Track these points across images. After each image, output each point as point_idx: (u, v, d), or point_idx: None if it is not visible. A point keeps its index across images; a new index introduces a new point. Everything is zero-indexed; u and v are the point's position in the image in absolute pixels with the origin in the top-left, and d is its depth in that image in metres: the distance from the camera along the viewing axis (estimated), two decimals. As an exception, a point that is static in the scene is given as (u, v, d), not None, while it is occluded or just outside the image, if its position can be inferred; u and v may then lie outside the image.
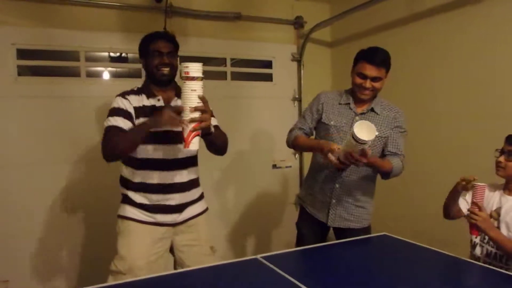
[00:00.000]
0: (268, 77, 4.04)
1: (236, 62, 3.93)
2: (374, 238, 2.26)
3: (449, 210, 2.16)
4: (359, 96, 2.29)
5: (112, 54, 3.55)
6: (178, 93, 2.15)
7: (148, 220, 2.09)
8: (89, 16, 3.21)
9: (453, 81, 2.91)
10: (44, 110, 3.09)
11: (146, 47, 2.12)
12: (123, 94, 2.10)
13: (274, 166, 4.02)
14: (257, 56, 3.98)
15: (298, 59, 4.09)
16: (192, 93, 1.77)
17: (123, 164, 2.15)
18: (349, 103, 2.34)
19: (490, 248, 1.99)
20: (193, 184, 2.24)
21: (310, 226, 2.49)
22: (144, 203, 2.09)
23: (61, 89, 3.15)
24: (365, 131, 1.89)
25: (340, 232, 2.41)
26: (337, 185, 2.34)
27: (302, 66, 4.09)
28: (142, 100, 2.10)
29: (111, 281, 2.00)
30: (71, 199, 3.20)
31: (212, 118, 2.05)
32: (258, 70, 4.11)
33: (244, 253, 3.86)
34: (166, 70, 2.08)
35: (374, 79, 2.21)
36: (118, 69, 3.69)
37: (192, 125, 1.78)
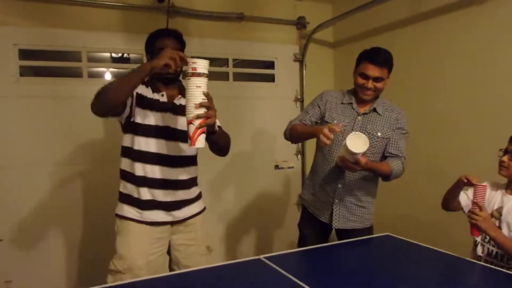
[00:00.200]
0: (270, 78, 4.04)
1: (238, 63, 3.93)
2: (376, 238, 2.25)
3: (449, 203, 2.18)
4: (361, 97, 2.29)
5: (114, 55, 3.55)
6: (182, 91, 2.16)
7: (146, 220, 2.08)
8: (91, 16, 3.21)
9: (456, 82, 2.91)
10: (45, 110, 3.09)
11: (152, 44, 2.11)
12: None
13: (276, 166, 4.02)
14: (259, 56, 3.98)
15: (300, 59, 4.08)
16: (197, 90, 1.75)
17: (123, 157, 2.13)
18: (351, 103, 2.34)
19: (491, 248, 1.98)
20: (192, 182, 2.23)
21: (312, 227, 2.49)
22: (142, 199, 2.08)
23: (63, 89, 3.15)
24: (358, 141, 1.92)
25: (343, 233, 2.40)
26: (339, 186, 2.34)
27: (304, 67, 4.08)
28: (147, 92, 2.09)
29: (110, 281, 2.00)
30: (72, 199, 3.20)
31: None
32: (260, 71, 4.11)
33: (247, 254, 3.85)
34: (171, 69, 2.08)
35: (376, 79, 2.21)
36: (120, 70, 3.69)
37: (198, 121, 1.76)
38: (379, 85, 2.23)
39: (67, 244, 3.20)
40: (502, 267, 1.88)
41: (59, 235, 3.18)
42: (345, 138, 2.04)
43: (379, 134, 2.28)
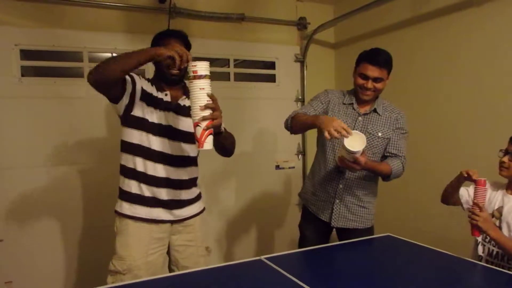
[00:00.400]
0: (271, 78, 4.04)
1: (239, 63, 3.93)
2: (377, 239, 2.25)
3: (448, 197, 2.19)
4: (361, 97, 2.31)
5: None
6: (186, 92, 2.16)
7: (145, 217, 2.08)
8: (92, 16, 3.21)
9: (458, 83, 2.91)
10: (47, 110, 3.09)
11: (158, 43, 2.10)
12: (140, 75, 2.11)
13: (277, 166, 4.02)
14: (260, 57, 3.98)
15: (301, 60, 4.09)
16: (201, 92, 1.75)
17: (124, 152, 2.11)
18: (352, 103, 2.36)
19: (492, 247, 1.98)
20: (192, 183, 2.24)
21: (313, 228, 2.50)
22: (142, 195, 2.08)
23: (64, 89, 3.15)
24: (356, 140, 1.93)
25: (343, 233, 2.42)
26: (340, 186, 2.35)
27: (305, 67, 4.08)
28: (152, 90, 2.10)
29: (110, 281, 2.00)
30: (73, 200, 3.20)
31: None
32: (261, 71, 4.11)
33: (247, 254, 3.85)
34: (175, 71, 2.07)
35: (376, 79, 2.23)
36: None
37: (205, 123, 1.76)
38: (378, 85, 2.24)
39: (67, 245, 3.20)
40: (503, 267, 1.89)
41: (60, 236, 3.18)
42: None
43: (379, 134, 2.29)
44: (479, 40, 2.75)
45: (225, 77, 3.82)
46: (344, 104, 2.38)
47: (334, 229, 2.46)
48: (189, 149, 2.17)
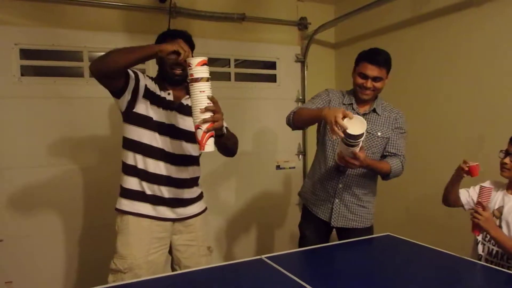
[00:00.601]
0: (272, 78, 4.04)
1: (240, 63, 3.93)
2: (377, 238, 2.25)
3: (449, 195, 2.20)
4: (360, 96, 2.32)
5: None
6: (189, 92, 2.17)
7: (146, 213, 2.08)
8: (92, 16, 3.21)
9: (458, 83, 2.91)
10: (47, 110, 3.09)
11: (162, 43, 2.09)
12: (144, 73, 2.12)
13: (278, 167, 4.02)
14: (261, 57, 3.98)
15: (302, 60, 4.08)
16: (201, 95, 1.75)
17: (126, 149, 2.11)
18: (352, 104, 2.36)
19: (492, 247, 2.00)
20: (194, 182, 2.24)
21: (313, 228, 2.50)
22: (142, 192, 2.08)
23: (64, 89, 3.15)
24: (356, 126, 1.86)
25: (343, 232, 2.42)
26: (340, 185, 2.36)
27: (306, 67, 4.08)
28: (155, 89, 2.10)
29: (111, 280, 2.00)
30: (73, 199, 3.20)
31: None
32: (262, 71, 4.11)
33: (248, 254, 3.84)
34: (179, 71, 2.08)
35: (375, 79, 2.24)
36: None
37: (206, 126, 1.76)
38: (378, 84, 2.25)
39: (68, 244, 3.20)
40: (502, 266, 1.90)
41: (60, 235, 3.18)
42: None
43: (379, 133, 2.30)
44: (479, 40, 2.75)
45: (225, 77, 3.82)
46: (344, 104, 2.38)
47: (334, 229, 2.46)
48: (191, 149, 2.17)
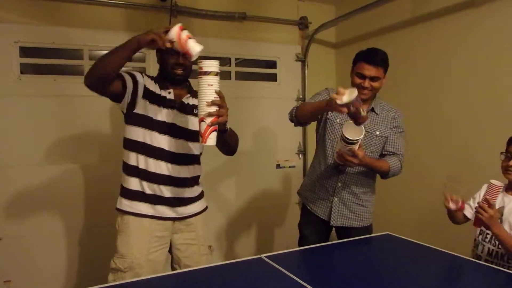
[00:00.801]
0: (273, 77, 4.04)
1: (240, 62, 3.93)
2: (376, 238, 2.26)
3: (454, 219, 2.19)
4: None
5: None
6: (191, 91, 2.19)
7: (146, 213, 2.08)
8: (93, 14, 3.21)
9: (458, 83, 2.91)
10: (46, 108, 3.09)
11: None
12: (143, 73, 2.13)
13: (278, 166, 4.02)
14: (261, 56, 3.98)
15: (302, 59, 4.08)
16: (209, 88, 1.76)
17: (126, 149, 2.12)
18: None
19: (492, 247, 2.00)
20: (195, 181, 2.23)
21: (312, 227, 2.50)
22: (143, 192, 2.08)
23: (64, 87, 3.14)
24: (354, 130, 1.93)
25: (342, 231, 2.43)
26: (339, 184, 2.37)
27: (306, 67, 4.08)
28: (155, 88, 2.10)
29: (111, 279, 2.01)
30: (73, 198, 3.20)
31: None
32: (262, 70, 4.12)
33: (247, 252, 3.85)
34: (180, 71, 2.08)
35: (372, 78, 2.24)
36: (122, 68, 3.69)
37: (210, 119, 1.76)
38: (375, 84, 2.26)
39: (67, 243, 3.20)
40: (502, 266, 1.90)
41: (60, 234, 3.17)
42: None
43: (377, 133, 2.31)
44: (479, 40, 2.75)
45: (226, 76, 3.81)
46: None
47: (333, 228, 2.46)
48: (192, 147, 2.17)
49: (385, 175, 2.31)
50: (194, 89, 2.21)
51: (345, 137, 1.91)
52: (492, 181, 1.92)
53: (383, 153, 2.36)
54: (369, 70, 2.22)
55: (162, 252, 2.13)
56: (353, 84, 2.31)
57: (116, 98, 2.02)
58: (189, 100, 2.15)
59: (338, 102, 1.79)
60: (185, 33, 1.76)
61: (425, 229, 3.04)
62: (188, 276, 1.72)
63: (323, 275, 1.68)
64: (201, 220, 2.27)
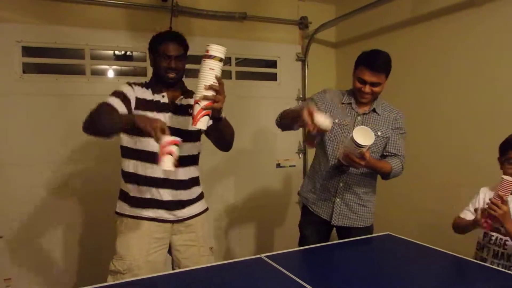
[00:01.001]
0: (273, 77, 4.05)
1: (241, 62, 3.94)
2: (377, 238, 2.26)
3: (463, 231, 2.16)
4: (359, 99, 2.34)
5: (117, 53, 3.56)
6: (184, 92, 2.18)
7: (145, 216, 2.08)
8: (94, 14, 3.22)
9: (458, 83, 2.91)
10: (48, 107, 3.10)
11: (156, 46, 2.11)
12: (131, 83, 2.11)
13: (278, 165, 4.02)
14: (262, 55, 3.99)
15: (302, 59, 4.09)
16: (210, 72, 1.74)
17: (123, 157, 2.13)
18: (350, 103, 2.37)
19: (497, 249, 1.99)
20: (193, 182, 2.22)
21: (313, 227, 2.50)
22: (141, 197, 2.08)
23: (66, 87, 3.16)
24: (364, 135, 1.93)
25: (343, 231, 2.42)
26: (341, 184, 2.36)
27: (306, 66, 4.09)
28: (147, 94, 2.10)
29: (110, 281, 2.00)
30: (73, 197, 3.21)
31: None
32: (262, 70, 4.13)
33: (247, 252, 3.86)
34: (172, 74, 2.08)
35: (373, 84, 2.23)
36: (123, 68, 3.70)
37: (204, 103, 1.74)
38: (376, 89, 2.25)
39: (67, 242, 3.21)
40: (509, 268, 1.90)
41: (60, 233, 3.19)
42: (345, 136, 2.05)
43: (379, 133, 2.30)
44: (480, 40, 2.75)
45: (226, 75, 3.82)
46: (342, 103, 2.39)
47: (334, 228, 2.47)
48: (188, 149, 2.16)
49: (386, 176, 2.31)
50: (188, 89, 2.22)
51: (357, 142, 1.90)
52: (504, 176, 1.88)
53: (385, 154, 2.35)
54: (370, 77, 2.21)
55: (161, 253, 2.13)
56: (354, 87, 2.31)
57: None
58: (182, 101, 2.14)
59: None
60: (170, 149, 1.72)
61: (426, 230, 3.05)
62: (188, 276, 1.72)
63: (323, 275, 1.68)
64: (201, 221, 2.26)
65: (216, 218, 3.72)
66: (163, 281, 1.67)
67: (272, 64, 4.06)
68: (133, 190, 2.10)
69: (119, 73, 3.80)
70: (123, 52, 3.52)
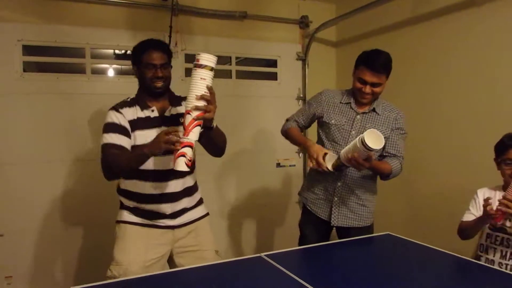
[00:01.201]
0: (273, 76, 4.05)
1: (241, 61, 3.93)
2: (377, 238, 2.26)
3: (469, 236, 2.14)
4: (359, 100, 2.33)
5: (117, 52, 3.56)
6: (172, 101, 2.13)
7: (145, 223, 2.08)
8: (95, 13, 3.22)
9: (458, 82, 2.91)
10: (49, 106, 3.10)
11: (139, 56, 2.05)
12: (117, 108, 2.04)
13: (278, 164, 4.02)
14: (262, 55, 3.98)
15: (303, 58, 4.09)
16: (201, 82, 1.73)
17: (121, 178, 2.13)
18: (350, 103, 2.37)
19: (505, 249, 1.99)
20: (189, 191, 2.19)
21: (313, 226, 2.50)
22: (141, 209, 2.09)
23: (66, 85, 3.16)
24: (373, 139, 1.91)
25: (343, 231, 2.42)
26: (339, 184, 2.36)
27: (307, 66, 4.09)
28: (136, 112, 2.05)
29: None
30: (74, 195, 3.21)
31: None
32: (263, 69, 4.13)
33: (247, 251, 3.87)
34: (159, 83, 2.04)
35: (373, 84, 2.23)
36: (124, 67, 3.69)
37: (196, 113, 1.74)
38: (376, 89, 2.25)
39: (67, 241, 3.22)
40: None
41: (60, 231, 3.19)
42: (345, 138, 2.03)
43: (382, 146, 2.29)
44: (480, 39, 2.75)
45: (226, 74, 3.82)
46: (341, 103, 2.39)
47: (334, 228, 2.47)
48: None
49: (386, 176, 2.30)
50: (176, 95, 2.19)
51: (368, 145, 1.89)
52: None
53: (384, 154, 2.34)
54: (371, 77, 2.20)
55: (159, 261, 2.09)
56: (354, 87, 2.31)
57: None
58: (171, 111, 2.11)
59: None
60: (183, 150, 1.74)
61: (426, 230, 3.05)
62: (187, 275, 1.73)
63: (323, 274, 1.69)
64: (202, 225, 2.24)
65: (216, 217, 3.72)
66: (163, 280, 1.67)
67: (273, 63, 4.06)
68: (131, 204, 2.11)
69: (120, 72, 3.80)
70: (123, 51, 3.52)
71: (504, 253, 2.00)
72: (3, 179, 3.00)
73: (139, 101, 2.08)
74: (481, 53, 2.75)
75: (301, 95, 4.09)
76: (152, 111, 2.07)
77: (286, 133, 2.53)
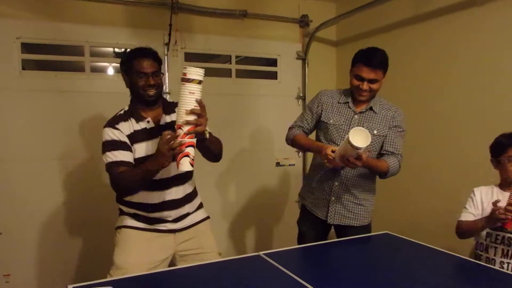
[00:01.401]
0: (273, 75, 4.04)
1: (241, 60, 3.93)
2: (375, 237, 2.26)
3: (470, 236, 2.14)
4: (357, 98, 2.32)
5: (117, 50, 3.55)
6: (166, 109, 2.11)
7: (147, 227, 2.08)
8: (94, 10, 3.21)
9: (458, 82, 2.91)
10: (48, 104, 3.10)
11: (130, 65, 2.02)
12: (112, 124, 2.01)
13: (278, 164, 4.02)
14: (262, 54, 3.98)
15: (303, 57, 4.09)
16: (190, 96, 1.73)
17: None
18: (348, 102, 2.36)
19: (506, 248, 1.98)
20: (189, 198, 2.19)
21: (311, 224, 2.50)
22: (141, 215, 2.08)
23: (65, 83, 3.16)
24: (360, 136, 1.91)
25: (341, 229, 2.43)
26: (336, 183, 2.36)
27: (307, 65, 4.08)
28: (132, 126, 2.03)
29: None
30: (73, 193, 3.21)
31: None
32: (263, 68, 4.12)
33: (246, 250, 3.87)
34: (152, 91, 2.01)
35: (371, 81, 2.23)
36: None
37: (187, 128, 1.74)
38: (374, 86, 2.24)
39: (67, 239, 3.22)
40: None
41: (59, 229, 3.19)
42: (343, 138, 2.04)
43: (375, 132, 2.28)
44: (481, 39, 2.75)
45: (226, 73, 3.82)
46: (339, 103, 2.39)
47: (332, 227, 2.47)
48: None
49: (383, 175, 2.30)
50: (169, 101, 2.18)
51: (353, 144, 1.88)
52: None
53: (382, 152, 2.34)
54: (368, 73, 2.20)
55: (158, 266, 2.07)
56: (351, 85, 2.30)
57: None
58: (165, 119, 2.09)
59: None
60: (186, 150, 1.75)
61: (425, 229, 3.05)
62: (186, 273, 1.73)
63: (321, 273, 1.68)
64: (204, 228, 2.24)
65: (215, 216, 3.70)
66: (162, 278, 1.67)
67: (273, 62, 4.05)
68: (131, 212, 2.10)
69: (119, 70, 3.77)
70: (123, 49, 3.51)
71: (505, 252, 1.99)
72: (2, 176, 3.00)
73: (133, 113, 2.06)
74: (481, 53, 2.75)
75: (301, 94, 4.09)
76: (148, 122, 2.05)
77: (292, 142, 2.49)
